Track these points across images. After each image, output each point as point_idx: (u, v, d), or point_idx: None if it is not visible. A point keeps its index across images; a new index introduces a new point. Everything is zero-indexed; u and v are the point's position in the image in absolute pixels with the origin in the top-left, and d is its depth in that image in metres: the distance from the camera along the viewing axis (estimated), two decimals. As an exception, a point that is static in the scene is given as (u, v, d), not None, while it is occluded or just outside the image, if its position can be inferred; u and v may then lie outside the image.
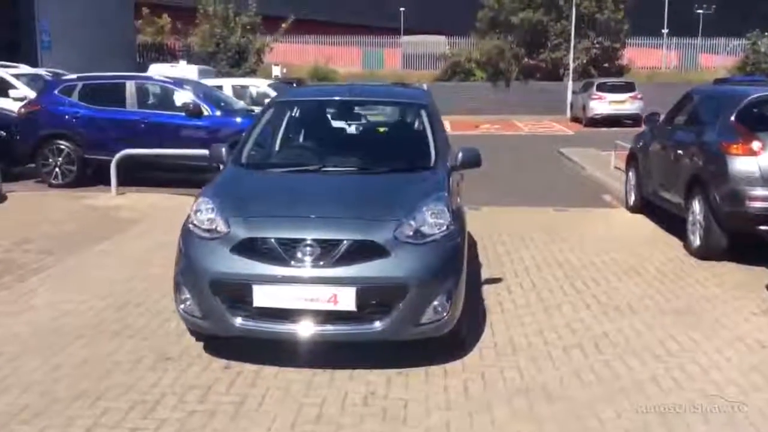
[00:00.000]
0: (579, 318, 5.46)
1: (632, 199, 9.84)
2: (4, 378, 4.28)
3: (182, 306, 4.40)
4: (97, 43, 27.42)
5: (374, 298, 4.16)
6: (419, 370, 4.41)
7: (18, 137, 11.89)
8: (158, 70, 23.15)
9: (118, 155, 10.61)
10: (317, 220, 4.29)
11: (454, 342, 4.65)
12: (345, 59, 42.04)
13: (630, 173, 10.03)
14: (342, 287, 4.10)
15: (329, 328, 4.18)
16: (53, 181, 11.70)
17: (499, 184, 13.06)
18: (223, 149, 5.38)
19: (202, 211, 4.49)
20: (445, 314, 4.27)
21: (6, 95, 14.36)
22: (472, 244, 7.79)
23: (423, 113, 5.54)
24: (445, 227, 4.44)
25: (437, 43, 39.58)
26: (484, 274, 6.70)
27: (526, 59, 34.03)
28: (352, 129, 5.88)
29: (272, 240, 4.19)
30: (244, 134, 5.55)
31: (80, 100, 11.81)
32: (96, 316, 5.39)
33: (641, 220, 9.35)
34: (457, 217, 4.67)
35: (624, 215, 9.84)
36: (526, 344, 4.90)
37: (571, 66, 31.48)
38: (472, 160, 5.36)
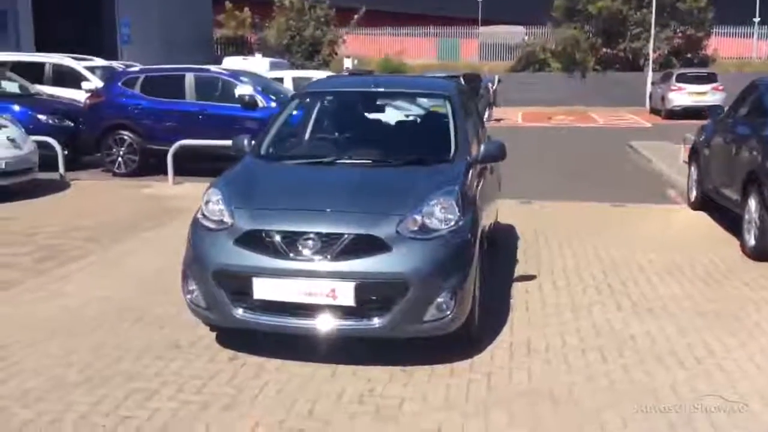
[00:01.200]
0: (607, 319, 5.21)
1: (694, 195, 9.38)
2: (18, 361, 4.40)
3: (189, 296, 4.43)
4: (176, 36, 28.25)
5: (374, 294, 4.07)
6: (425, 368, 4.29)
7: (83, 127, 12.32)
8: (232, 63, 23.67)
9: (174, 146, 10.86)
10: (320, 214, 4.22)
11: (466, 340, 4.52)
12: (420, 50, 41.87)
13: (692, 168, 9.56)
14: (341, 282, 4.03)
15: (328, 323, 4.11)
16: (116, 171, 12.11)
17: (560, 177, 12.75)
18: (245, 140, 5.37)
19: (211, 202, 4.50)
20: (449, 312, 4.14)
21: (79, 87, 14.85)
22: (513, 240, 7.61)
23: (447, 105, 5.38)
24: (453, 222, 4.30)
25: (515, 33, 38.92)
26: (519, 270, 6.51)
27: (604, 49, 33.02)
28: (372, 121, 5.78)
29: (274, 232, 4.15)
30: (266, 126, 5.54)
31: (142, 92, 12.15)
32: (121, 303, 5.50)
33: (701, 217, 8.90)
34: (470, 211, 4.51)
35: (684, 212, 9.39)
36: (544, 346, 4.71)
37: (651, 56, 30.35)
38: (496, 154, 5.19)
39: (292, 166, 5.07)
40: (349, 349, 4.42)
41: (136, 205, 9.48)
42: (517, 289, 5.91)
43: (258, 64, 23.89)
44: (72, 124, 12.58)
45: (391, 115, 5.80)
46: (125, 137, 12.01)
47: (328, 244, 4.09)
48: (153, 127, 11.90)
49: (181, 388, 4.04)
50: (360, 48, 38.33)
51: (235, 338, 4.62)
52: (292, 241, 4.12)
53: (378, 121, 5.77)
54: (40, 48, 20.47)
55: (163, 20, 27.80)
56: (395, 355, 4.38)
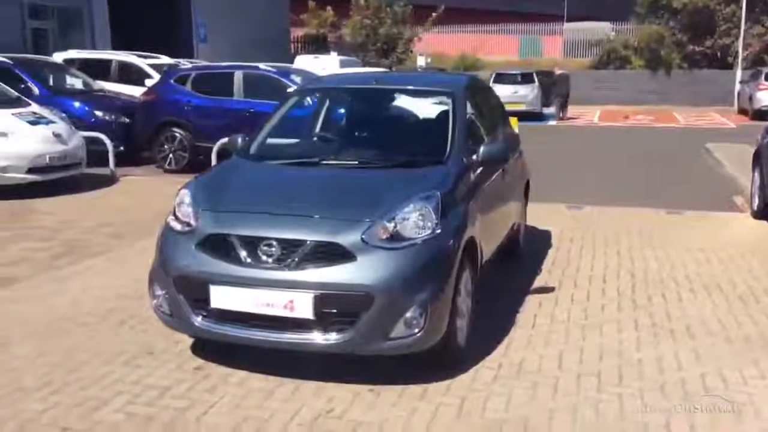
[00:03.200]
0: (618, 340, 4.74)
1: (756, 202, 8.63)
2: (-16, 363, 4.33)
3: (154, 302, 4.25)
4: (251, 34, 28.48)
5: (334, 307, 3.77)
6: (396, 388, 3.97)
7: (137, 124, 12.49)
8: (303, 62, 23.85)
9: (218, 143, 10.83)
10: (282, 218, 3.95)
11: (447, 358, 4.16)
12: (500, 47, 41.03)
13: (755, 173, 8.82)
14: (299, 293, 3.75)
15: (285, 337, 3.84)
16: (167, 167, 12.21)
17: (621, 180, 12.11)
18: (239, 139, 5.17)
19: (183, 203, 4.31)
20: (417, 330, 3.79)
21: (143, 84, 15.11)
22: (544, 247, 7.14)
23: (449, 103, 5.00)
24: (429, 230, 3.95)
25: (601, 29, 37.59)
26: (539, 281, 6.07)
27: (690, 46, 31.42)
28: (369, 119, 5.46)
29: (234, 237, 3.92)
30: (261, 123, 5.31)
31: (192, 89, 12.22)
32: (114, 302, 5.40)
33: (762, 227, 8.17)
34: (455, 219, 4.15)
35: (745, 222, 8.66)
36: (536, 367, 4.29)
37: (740, 53, 28.66)
38: (497, 154, 4.79)
39: (274, 167, 4.81)
40: (322, 363, 4.14)
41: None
42: (530, 302, 5.48)
43: (329, 62, 23.89)
44: (128, 121, 12.77)
45: (393, 113, 5.46)
46: (176, 134, 12.11)
47: (289, 252, 3.82)
48: (202, 124, 11.93)
49: (133, 399, 3.85)
50: (439, 46, 37.85)
51: (209, 346, 4.41)
52: (252, 246, 3.87)
53: (375, 120, 5.45)
54: (117, 46, 21.03)
55: (240, 18, 28.10)
56: (371, 371, 4.07)
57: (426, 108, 5.32)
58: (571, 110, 25.97)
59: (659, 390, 4.00)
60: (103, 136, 11.20)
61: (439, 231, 3.97)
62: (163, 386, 4.00)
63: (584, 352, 4.54)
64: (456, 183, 4.42)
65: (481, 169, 4.85)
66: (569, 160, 14.89)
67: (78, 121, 11.96)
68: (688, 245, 7.28)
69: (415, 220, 3.95)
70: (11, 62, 12.72)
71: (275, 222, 3.92)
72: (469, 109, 5.23)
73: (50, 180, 9.77)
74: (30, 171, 9.46)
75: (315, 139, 5.42)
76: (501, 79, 25.56)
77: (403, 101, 5.42)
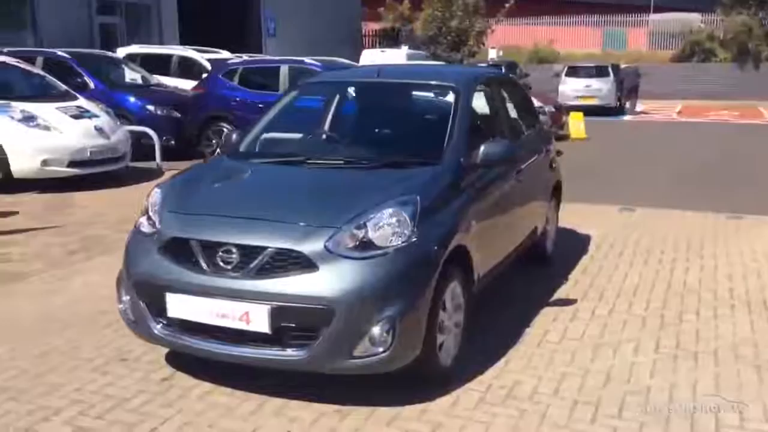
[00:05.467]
0: (631, 363, 4.25)
1: (827, 208, 7.84)
2: (-48, 365, 4.22)
3: (120, 306, 4.04)
4: (322, 29, 28.44)
5: (292, 321, 3.46)
6: (366, 410, 3.63)
7: (187, 118, 12.52)
8: (369, 56, 23.76)
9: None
10: (243, 222, 3.65)
11: (427, 379, 3.80)
12: (581, 40, 39.80)
13: (828, 176, 8.00)
14: (255, 304, 3.46)
15: (242, 351, 3.55)
16: (214, 161, 12.17)
17: (688, 180, 11.36)
18: (234, 135, 4.93)
19: (152, 203, 4.08)
20: (381, 349, 3.44)
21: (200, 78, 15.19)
22: (577, 254, 6.63)
23: (451, 100, 4.59)
24: (403, 239, 3.58)
25: (689, 20, 35.87)
26: (561, 292, 5.59)
27: (782, 38, 29.61)
28: (366, 115, 5.11)
29: (193, 241, 3.65)
30: (254, 120, 5.05)
31: (240, 83, 12.16)
32: (108, 303, 5.17)
33: (832, 236, 7.39)
34: (440, 227, 3.77)
35: (813, 228, 7.87)
36: (529, 392, 3.87)
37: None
38: (498, 156, 4.36)
39: (255, 166, 4.52)
40: (297, 378, 3.85)
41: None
42: (544, 315, 5.03)
43: (396, 56, 23.64)
44: (180, 116, 12.81)
45: (392, 108, 5.09)
46: (223, 128, 12.05)
47: (248, 259, 3.53)
48: (247, 118, 11.76)
49: (86, 410, 3.65)
50: (515, 38, 36.97)
51: (184, 355, 4.17)
52: (212, 253, 3.60)
53: (373, 116, 5.09)
54: (185, 42, 21.28)
55: (310, 13, 28.07)
56: (347, 390, 3.74)
57: (428, 103, 4.94)
58: (651, 104, 24.94)
59: (662, 423, 3.52)
60: (149, 131, 11.24)
61: (415, 239, 3.60)
62: (121, 397, 3.79)
63: (588, 376, 4.08)
64: (446, 186, 4.04)
65: (485, 170, 4.44)
66: (637, 158, 14.14)
67: (131, 116, 12.12)
68: (741, 254, 6.64)
69: (389, 227, 3.59)
70: (69, 57, 12.94)
71: (236, 227, 3.63)
72: (480, 105, 4.82)
73: (93, 174, 9.84)
74: (71, 164, 9.52)
75: (307, 135, 5.11)
76: (574, 72, 24.71)
77: (405, 96, 5.06)
